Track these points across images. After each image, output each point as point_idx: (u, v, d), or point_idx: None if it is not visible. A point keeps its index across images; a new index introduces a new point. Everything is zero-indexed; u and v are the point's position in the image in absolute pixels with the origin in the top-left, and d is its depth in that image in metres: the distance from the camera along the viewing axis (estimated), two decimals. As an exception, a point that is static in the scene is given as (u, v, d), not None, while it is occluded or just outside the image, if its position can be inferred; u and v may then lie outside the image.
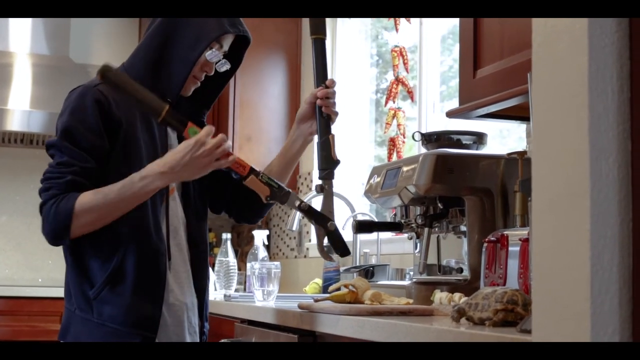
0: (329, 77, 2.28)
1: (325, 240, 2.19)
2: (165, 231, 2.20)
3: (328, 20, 4.71)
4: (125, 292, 2.12)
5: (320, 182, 2.20)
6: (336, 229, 2.17)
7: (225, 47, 2.24)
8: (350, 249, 3.76)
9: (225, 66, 2.26)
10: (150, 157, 2.14)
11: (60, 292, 4.51)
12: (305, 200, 2.17)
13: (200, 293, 2.30)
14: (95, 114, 2.11)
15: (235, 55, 2.31)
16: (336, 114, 2.27)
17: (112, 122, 2.13)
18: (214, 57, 2.21)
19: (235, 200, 2.42)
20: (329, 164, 2.20)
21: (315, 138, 2.31)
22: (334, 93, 2.27)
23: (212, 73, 2.25)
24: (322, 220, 2.16)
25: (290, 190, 2.16)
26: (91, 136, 2.11)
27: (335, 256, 3.70)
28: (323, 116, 2.24)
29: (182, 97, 2.26)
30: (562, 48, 1.33)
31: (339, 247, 2.17)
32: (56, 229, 2.09)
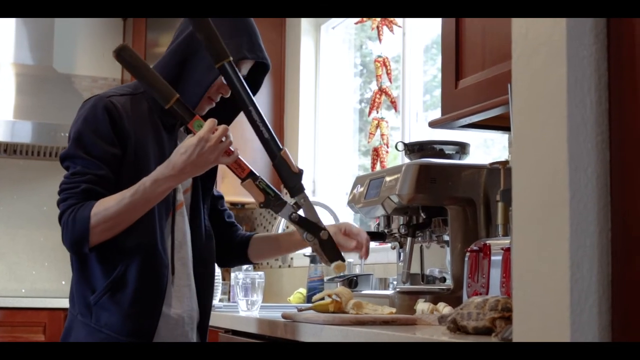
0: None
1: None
2: (170, 245, 2.21)
3: (311, 29, 4.73)
4: (124, 301, 2.12)
5: (294, 200, 2.17)
6: (329, 237, 2.16)
7: (244, 71, 2.24)
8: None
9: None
10: None
11: (43, 303, 4.55)
12: (297, 212, 2.16)
13: (204, 310, 2.31)
14: (107, 123, 2.13)
15: (254, 79, 2.31)
16: None
17: (122, 133, 2.14)
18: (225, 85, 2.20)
19: (218, 243, 2.43)
20: (293, 180, 2.16)
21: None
22: None
23: (228, 95, 2.24)
24: (314, 229, 2.15)
25: (287, 202, 2.15)
26: (103, 144, 2.12)
27: (319, 266, 3.72)
28: (265, 137, 2.15)
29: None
30: (541, 60, 1.34)
31: (332, 255, 2.16)
32: (75, 239, 2.09)
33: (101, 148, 2.12)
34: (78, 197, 2.10)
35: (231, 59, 2.10)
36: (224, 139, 2.05)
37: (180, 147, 2.06)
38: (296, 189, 2.16)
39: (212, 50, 2.09)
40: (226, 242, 2.45)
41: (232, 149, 2.08)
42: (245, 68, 2.24)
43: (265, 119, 2.15)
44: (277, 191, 2.15)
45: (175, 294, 2.22)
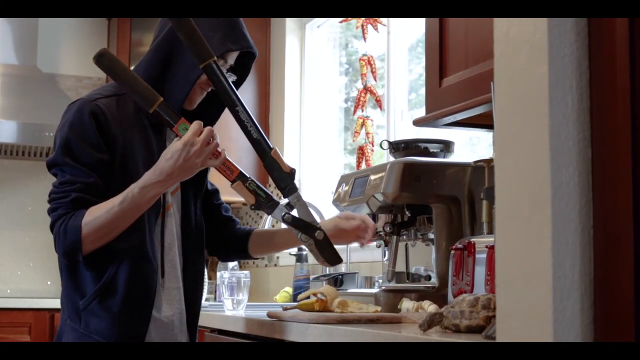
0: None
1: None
2: (160, 248, 2.20)
3: (296, 28, 4.73)
4: (114, 307, 2.11)
5: (286, 200, 2.13)
6: (325, 237, 2.12)
7: (231, 61, 2.22)
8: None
9: (231, 78, 2.22)
10: None
11: (28, 304, 4.53)
12: (290, 212, 2.12)
13: (193, 309, 2.29)
14: (93, 128, 2.11)
15: (243, 65, 2.29)
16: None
17: (109, 137, 2.12)
18: None
19: (215, 237, 2.45)
20: (285, 180, 2.12)
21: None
22: None
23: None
24: (309, 229, 2.12)
25: (279, 202, 2.11)
26: (91, 150, 2.10)
27: (305, 265, 3.72)
28: (254, 137, 2.12)
29: (187, 112, 2.23)
30: (523, 58, 1.35)
31: (328, 254, 2.13)
32: (68, 248, 2.09)
33: (89, 155, 2.10)
34: (68, 207, 2.09)
35: (215, 58, 2.08)
36: (210, 140, 2.04)
37: (167, 152, 2.04)
38: (289, 189, 2.12)
39: (195, 50, 2.07)
40: (225, 237, 2.44)
41: (219, 151, 2.06)
42: (231, 58, 2.22)
43: (254, 118, 2.13)
44: (268, 192, 2.12)
45: (165, 297, 2.21)
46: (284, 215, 2.11)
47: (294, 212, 2.12)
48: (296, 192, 2.13)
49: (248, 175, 2.10)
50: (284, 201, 2.14)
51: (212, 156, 2.05)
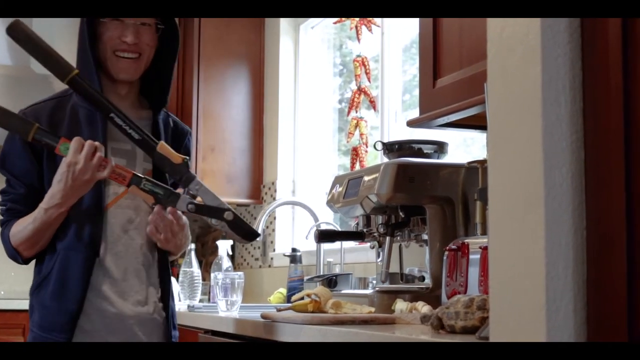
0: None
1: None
2: (129, 242, 2.21)
3: (290, 29, 4.73)
4: (45, 298, 2.18)
5: (187, 190, 2.10)
6: (235, 216, 2.10)
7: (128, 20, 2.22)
8: (314, 258, 3.78)
9: (158, 28, 2.24)
10: None
11: (22, 305, 4.51)
12: (195, 202, 2.09)
13: (166, 307, 2.29)
14: (21, 140, 2.16)
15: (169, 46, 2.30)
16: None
17: (36, 146, 2.15)
18: (121, 28, 2.22)
19: None
20: (179, 171, 2.11)
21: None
22: None
23: (136, 41, 2.22)
24: (217, 213, 2.10)
25: (180, 194, 2.10)
26: (20, 162, 2.18)
27: (299, 265, 3.72)
28: (137, 139, 2.12)
29: (136, 83, 2.28)
30: (516, 59, 1.35)
31: (243, 232, 2.12)
32: (9, 254, 2.23)
33: (19, 166, 2.19)
34: (5, 215, 2.22)
35: (77, 71, 2.09)
36: (93, 154, 2.04)
37: (57, 174, 2.08)
38: (185, 178, 2.11)
39: (55, 69, 2.11)
40: None
41: (107, 160, 2.06)
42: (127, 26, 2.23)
43: (131, 120, 2.13)
44: (166, 187, 2.12)
45: (114, 289, 2.21)
46: (188, 205, 2.10)
47: (198, 200, 2.11)
48: (195, 180, 2.12)
49: (142, 176, 2.10)
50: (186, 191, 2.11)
51: (100, 168, 2.06)
